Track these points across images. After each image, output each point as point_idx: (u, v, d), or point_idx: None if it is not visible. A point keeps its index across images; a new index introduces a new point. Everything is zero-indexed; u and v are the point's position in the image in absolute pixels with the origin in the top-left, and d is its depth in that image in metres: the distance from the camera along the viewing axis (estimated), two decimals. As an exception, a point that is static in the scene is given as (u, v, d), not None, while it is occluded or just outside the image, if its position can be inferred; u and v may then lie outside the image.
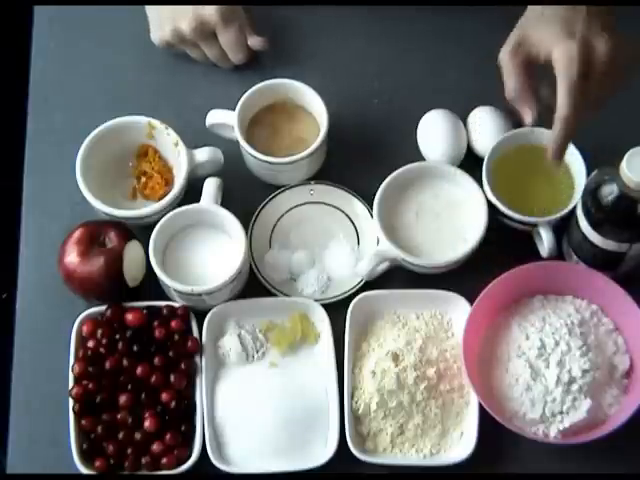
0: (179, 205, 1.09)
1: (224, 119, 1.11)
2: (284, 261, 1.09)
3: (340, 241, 1.10)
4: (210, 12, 1.12)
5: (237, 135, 1.09)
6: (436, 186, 1.09)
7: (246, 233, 1.06)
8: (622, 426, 0.99)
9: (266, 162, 1.09)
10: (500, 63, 0.99)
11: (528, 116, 0.99)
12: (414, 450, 1.03)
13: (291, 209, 1.12)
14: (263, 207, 1.11)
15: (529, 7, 1.02)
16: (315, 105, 1.11)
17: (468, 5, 1.18)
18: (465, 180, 1.08)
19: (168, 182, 1.12)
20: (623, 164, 0.93)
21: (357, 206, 1.11)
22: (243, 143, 1.09)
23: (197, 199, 1.09)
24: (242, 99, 1.11)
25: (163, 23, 1.15)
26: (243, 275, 1.07)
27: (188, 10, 1.13)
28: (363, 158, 1.15)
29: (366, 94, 1.18)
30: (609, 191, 0.96)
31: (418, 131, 1.13)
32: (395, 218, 1.08)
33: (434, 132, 1.12)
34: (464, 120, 1.13)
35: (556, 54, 0.95)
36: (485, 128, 1.12)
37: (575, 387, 1.00)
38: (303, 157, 1.09)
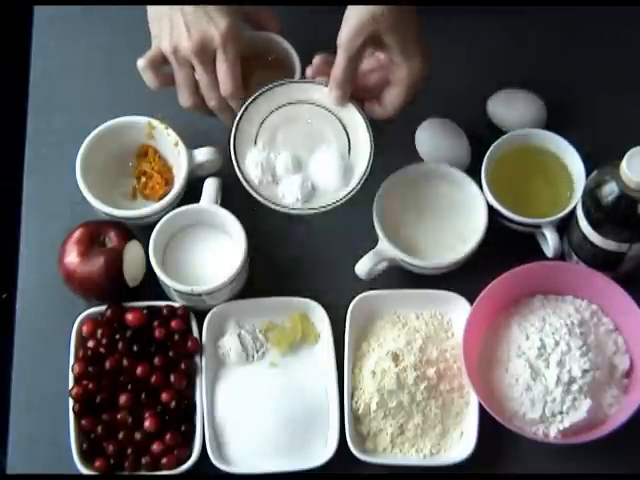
0: (179, 205, 1.09)
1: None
2: (267, 161, 1.04)
3: (330, 147, 1.05)
4: (215, 32, 1.04)
5: None
6: (437, 187, 1.09)
7: (232, 130, 1.03)
8: (622, 426, 0.99)
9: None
10: (337, 59, 1.02)
11: None
12: (414, 450, 1.03)
13: (283, 106, 1.06)
14: (255, 99, 1.05)
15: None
16: (289, 57, 1.13)
17: (468, 5, 1.18)
18: (466, 181, 1.08)
19: (168, 182, 1.12)
20: (623, 164, 0.93)
21: (354, 114, 1.06)
22: None
23: (197, 199, 1.09)
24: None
25: (161, 36, 1.06)
26: (243, 275, 1.07)
27: (192, 24, 1.04)
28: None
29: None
30: (609, 191, 0.96)
31: (416, 139, 1.13)
32: (395, 218, 1.08)
33: (433, 143, 1.12)
34: (461, 125, 1.14)
35: (405, 69, 1.02)
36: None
37: (575, 387, 1.00)
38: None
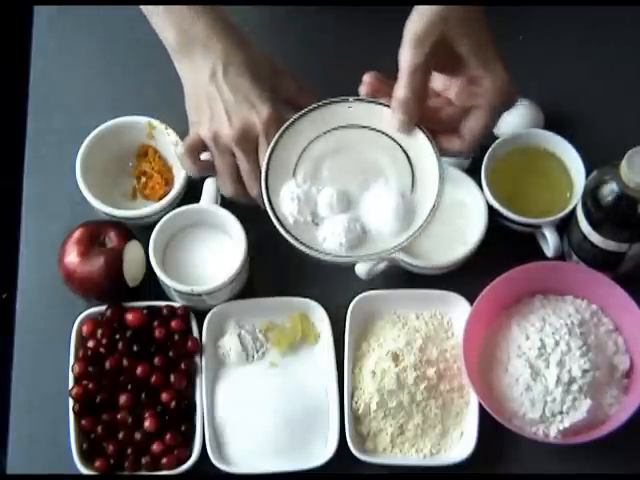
0: (179, 205, 1.09)
1: None
2: (307, 196, 0.89)
3: (389, 183, 0.90)
4: (256, 119, 0.96)
5: None
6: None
7: (265, 157, 0.90)
8: (622, 426, 0.99)
9: None
10: (400, 62, 0.89)
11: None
12: (414, 450, 1.03)
13: (331, 131, 0.90)
14: (295, 122, 0.91)
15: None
16: None
17: (471, 5, 1.18)
18: (466, 181, 1.08)
19: (168, 182, 1.12)
20: (623, 164, 0.93)
21: (421, 143, 0.89)
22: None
23: (197, 199, 1.09)
24: None
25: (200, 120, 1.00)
26: (243, 275, 1.07)
27: (233, 111, 0.97)
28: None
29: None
30: (609, 191, 0.96)
31: None
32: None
33: None
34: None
35: (490, 85, 0.89)
36: None
37: (575, 387, 1.00)
38: None
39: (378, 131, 0.89)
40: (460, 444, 1.03)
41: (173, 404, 1.03)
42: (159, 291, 1.08)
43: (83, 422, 1.02)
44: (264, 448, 1.02)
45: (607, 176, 0.97)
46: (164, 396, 1.03)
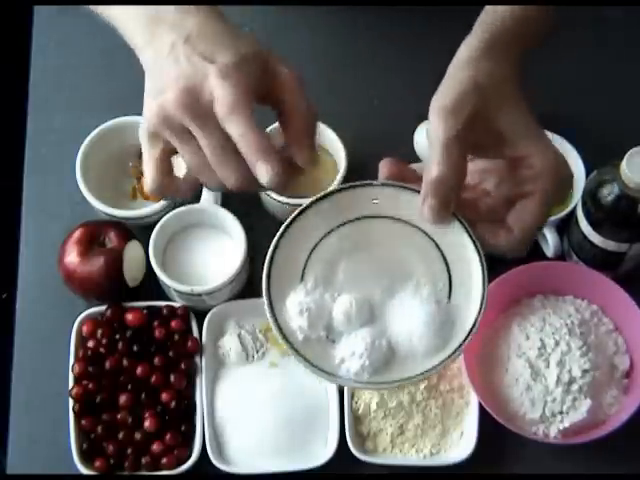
0: (179, 205, 1.09)
1: None
2: (320, 306, 0.71)
3: (419, 286, 0.72)
4: (210, 67, 0.71)
5: None
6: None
7: (267, 258, 0.72)
8: (622, 426, 0.99)
9: (285, 203, 1.06)
10: (431, 137, 0.71)
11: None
12: (414, 450, 1.03)
13: (347, 223, 0.72)
14: (302, 213, 0.73)
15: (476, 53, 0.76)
16: (333, 145, 1.10)
17: (471, 5, 1.18)
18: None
19: (168, 182, 1.12)
20: (623, 164, 0.93)
21: (459, 236, 0.72)
22: None
23: (197, 199, 1.09)
24: None
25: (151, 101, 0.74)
26: (243, 275, 1.07)
27: (178, 70, 0.72)
28: (363, 158, 1.14)
29: (366, 95, 1.18)
30: (609, 191, 0.96)
31: (415, 140, 1.13)
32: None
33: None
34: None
35: (542, 165, 0.72)
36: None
37: (575, 387, 1.00)
38: None
39: (405, 222, 0.72)
40: (460, 444, 1.03)
41: (173, 404, 1.03)
42: (159, 291, 1.08)
43: (83, 422, 1.02)
44: (264, 448, 1.02)
45: (607, 176, 0.97)
46: (164, 396, 1.03)
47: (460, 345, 0.70)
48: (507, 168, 0.73)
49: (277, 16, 1.21)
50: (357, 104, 1.17)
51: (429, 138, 0.71)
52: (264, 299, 0.71)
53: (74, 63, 1.21)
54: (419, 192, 0.71)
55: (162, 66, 0.74)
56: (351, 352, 0.70)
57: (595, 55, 1.19)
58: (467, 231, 0.71)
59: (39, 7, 1.24)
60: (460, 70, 0.74)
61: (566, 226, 1.07)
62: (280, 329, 0.71)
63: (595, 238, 1.01)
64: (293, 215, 0.72)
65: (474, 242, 0.71)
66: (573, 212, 1.04)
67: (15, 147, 1.18)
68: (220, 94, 0.69)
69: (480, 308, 0.71)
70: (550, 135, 1.09)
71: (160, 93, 0.72)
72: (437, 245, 0.72)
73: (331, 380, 0.71)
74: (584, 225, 1.01)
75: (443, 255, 0.72)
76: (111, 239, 1.06)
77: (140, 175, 1.13)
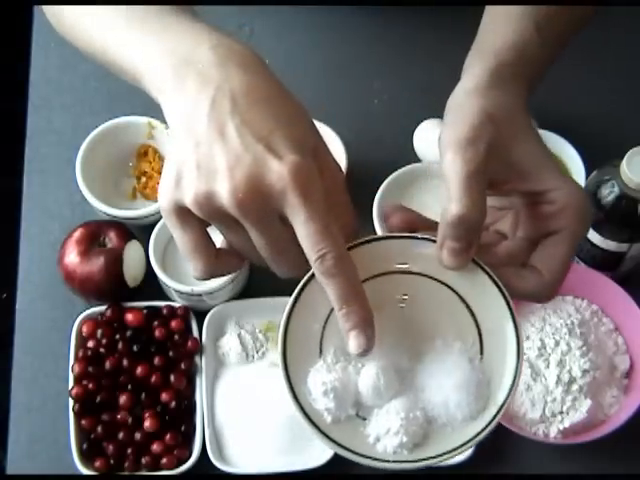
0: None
1: None
2: (344, 382, 0.65)
3: (447, 345, 0.66)
4: (279, 167, 0.61)
5: None
6: (436, 187, 1.09)
7: (279, 334, 0.66)
8: (622, 426, 0.99)
9: None
10: (448, 173, 0.65)
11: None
12: (414, 450, 1.02)
13: (363, 282, 0.64)
14: (310, 279, 0.65)
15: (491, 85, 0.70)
16: (333, 145, 1.09)
17: (471, 5, 1.18)
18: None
19: (168, 182, 1.11)
20: (623, 164, 0.93)
21: (483, 284, 0.65)
22: None
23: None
24: None
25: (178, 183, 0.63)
26: (243, 275, 1.07)
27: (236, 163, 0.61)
28: (363, 158, 1.15)
29: (366, 95, 1.18)
30: (609, 191, 0.96)
31: (414, 140, 1.13)
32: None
33: (432, 144, 1.12)
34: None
35: (566, 199, 0.66)
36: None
37: (575, 387, 1.00)
38: None
39: (421, 275, 0.65)
40: (460, 444, 1.02)
41: (173, 404, 1.03)
42: (159, 291, 1.08)
43: (83, 422, 1.02)
44: (264, 448, 1.02)
45: (607, 176, 0.97)
46: (164, 396, 1.03)
47: (502, 406, 0.63)
48: (524, 205, 0.68)
49: (277, 16, 1.21)
50: (357, 104, 1.17)
51: (445, 175, 0.65)
52: (283, 381, 0.65)
53: (74, 63, 1.21)
54: (433, 240, 0.65)
55: (198, 129, 0.63)
56: (386, 429, 0.64)
57: (595, 55, 1.19)
58: (490, 277, 0.64)
59: (39, 7, 1.24)
60: (468, 100, 0.69)
61: (566, 226, 1.07)
62: (305, 414, 0.64)
63: (595, 238, 1.01)
64: (302, 282, 0.65)
65: (499, 288, 0.64)
66: (573, 212, 1.04)
67: (15, 147, 1.18)
68: (295, 202, 0.60)
69: (517, 360, 0.64)
70: (550, 135, 1.10)
71: (206, 174, 0.61)
72: (461, 297, 0.65)
73: (368, 463, 0.64)
74: (584, 225, 1.01)
75: (469, 307, 0.65)
76: (111, 239, 1.07)
77: (140, 175, 1.13)
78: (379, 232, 1.05)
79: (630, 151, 0.93)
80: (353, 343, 0.61)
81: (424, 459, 0.63)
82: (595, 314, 1.05)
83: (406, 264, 0.65)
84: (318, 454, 1.01)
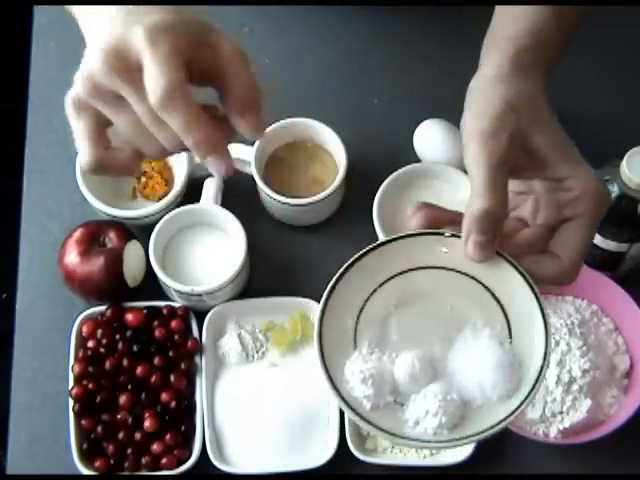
0: (179, 205, 1.09)
1: (241, 154, 1.08)
2: (380, 371, 0.68)
3: (477, 330, 0.69)
4: (136, 35, 0.65)
5: (253, 173, 1.08)
6: (436, 187, 1.09)
7: (315, 329, 0.69)
8: (622, 426, 0.99)
9: (284, 203, 1.07)
10: (472, 164, 0.68)
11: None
12: (414, 450, 1.03)
13: (390, 279, 0.70)
14: (343, 274, 0.70)
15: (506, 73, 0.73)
16: (333, 145, 1.10)
17: (472, 5, 1.18)
18: (464, 181, 1.08)
19: (168, 182, 1.12)
20: (623, 164, 0.93)
21: (506, 273, 0.69)
22: (260, 183, 1.07)
23: (197, 199, 1.09)
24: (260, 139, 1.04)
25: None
26: (243, 275, 1.07)
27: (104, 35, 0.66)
28: (363, 158, 1.15)
29: (366, 95, 1.18)
30: (609, 191, 0.96)
31: (415, 140, 1.13)
32: (395, 218, 1.08)
33: (432, 143, 1.12)
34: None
35: (583, 185, 0.70)
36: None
37: (575, 387, 1.00)
38: (321, 199, 1.06)
39: (447, 269, 0.69)
40: (460, 444, 1.02)
41: (173, 404, 1.03)
42: (159, 291, 1.08)
43: (83, 422, 1.02)
44: (264, 448, 1.02)
45: (607, 176, 0.97)
46: (164, 396, 1.03)
47: (535, 385, 0.67)
48: (544, 191, 0.71)
49: (277, 16, 1.21)
50: (357, 104, 1.17)
51: (467, 166, 0.68)
52: (322, 373, 0.68)
53: (74, 63, 1.20)
54: (457, 235, 0.69)
55: (96, 29, 0.68)
56: (425, 412, 0.67)
57: (595, 55, 1.19)
58: (514, 266, 0.68)
59: (39, 7, 1.24)
60: (490, 89, 0.71)
61: (566, 226, 1.07)
62: (345, 402, 0.67)
63: (595, 238, 1.01)
64: (335, 278, 0.70)
65: (523, 275, 0.68)
66: (573, 212, 1.04)
67: (15, 147, 1.18)
68: (152, 73, 0.63)
69: (547, 343, 0.68)
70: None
71: (87, 57, 0.66)
72: (485, 287, 0.69)
73: (411, 445, 0.69)
74: (584, 225, 1.01)
75: (494, 295, 0.69)
76: (111, 239, 1.07)
77: (140, 175, 1.13)
78: (379, 231, 1.05)
79: (630, 151, 0.93)
80: (212, 166, 0.66)
81: (464, 437, 0.66)
82: (595, 314, 1.05)
83: (431, 259, 0.69)
84: (318, 454, 1.01)
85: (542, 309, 0.68)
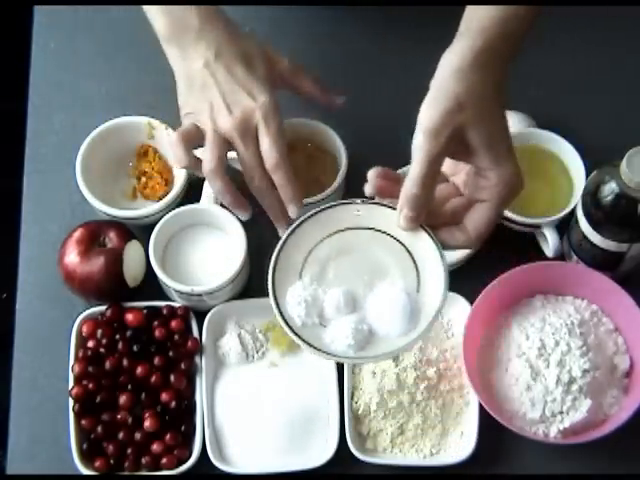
0: (179, 205, 1.09)
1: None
2: (314, 298, 0.86)
3: (394, 283, 0.87)
4: (254, 105, 0.97)
5: None
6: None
7: (272, 258, 0.88)
8: (622, 426, 0.99)
9: None
10: (415, 151, 0.84)
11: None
12: (414, 450, 1.03)
13: (337, 233, 0.89)
14: (301, 224, 0.89)
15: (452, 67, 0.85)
16: (333, 146, 1.10)
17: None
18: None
19: (168, 182, 1.12)
20: (623, 164, 0.93)
21: (424, 241, 0.87)
22: None
23: (197, 199, 1.09)
24: None
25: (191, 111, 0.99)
26: (243, 275, 1.07)
27: (232, 101, 0.97)
28: (363, 158, 1.14)
29: (366, 95, 1.18)
30: (609, 191, 0.96)
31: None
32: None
33: None
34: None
35: (497, 179, 0.85)
36: None
37: (575, 387, 1.00)
38: (321, 199, 1.06)
39: (383, 232, 0.87)
40: (460, 444, 1.03)
41: (173, 404, 1.03)
42: (159, 291, 1.08)
43: (83, 422, 1.02)
44: (264, 448, 1.02)
45: (607, 176, 0.97)
46: (164, 396, 1.03)
47: (425, 329, 0.84)
48: (472, 172, 0.86)
49: (277, 16, 1.21)
50: (357, 104, 1.17)
51: (412, 149, 0.84)
52: (269, 291, 0.86)
53: (74, 63, 1.21)
54: (393, 208, 0.86)
55: (203, 82, 0.98)
56: (339, 334, 0.85)
57: (595, 55, 1.19)
58: (430, 236, 0.86)
59: (39, 7, 1.24)
60: (448, 82, 0.84)
61: (566, 226, 1.07)
62: (282, 316, 0.86)
63: (595, 238, 1.01)
64: (294, 225, 0.88)
65: (436, 246, 0.86)
66: (573, 212, 1.04)
67: (15, 147, 1.18)
68: (266, 146, 0.96)
69: (440, 301, 0.85)
70: (550, 135, 1.10)
71: (211, 111, 0.96)
72: (407, 249, 0.87)
73: (323, 356, 0.85)
74: (584, 225, 1.01)
75: (412, 257, 0.87)
76: (111, 239, 1.07)
77: (140, 175, 1.13)
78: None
79: (630, 151, 0.93)
80: (292, 209, 0.97)
81: (363, 357, 0.85)
82: (595, 314, 1.05)
83: (372, 222, 0.88)
84: (318, 454, 1.01)
85: (445, 273, 0.85)
